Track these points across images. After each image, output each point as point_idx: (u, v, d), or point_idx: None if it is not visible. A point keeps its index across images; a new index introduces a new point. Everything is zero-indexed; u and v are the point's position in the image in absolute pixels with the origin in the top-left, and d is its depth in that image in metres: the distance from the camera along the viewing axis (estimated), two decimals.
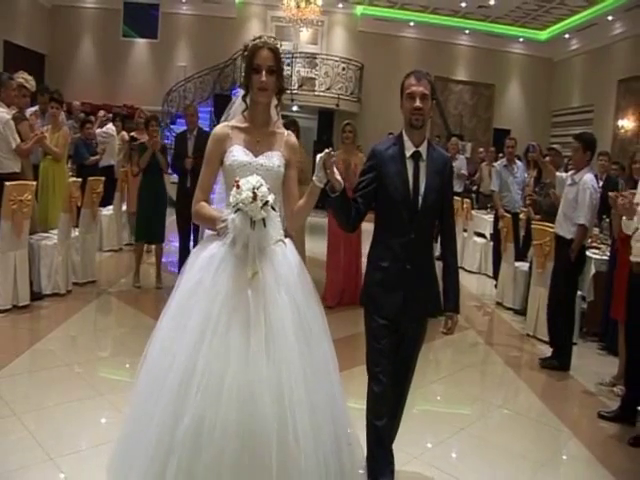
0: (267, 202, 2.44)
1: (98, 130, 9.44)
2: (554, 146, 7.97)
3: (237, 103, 2.85)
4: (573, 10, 15.98)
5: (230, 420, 2.32)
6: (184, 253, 7.09)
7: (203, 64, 16.92)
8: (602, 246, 6.79)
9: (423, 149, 3.03)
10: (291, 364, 2.43)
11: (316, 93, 16.60)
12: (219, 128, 2.78)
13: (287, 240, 2.70)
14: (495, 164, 9.46)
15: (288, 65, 17.28)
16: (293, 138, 2.85)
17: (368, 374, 3.07)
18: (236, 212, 2.44)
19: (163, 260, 7.68)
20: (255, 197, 2.41)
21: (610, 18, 15.08)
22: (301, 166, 4.51)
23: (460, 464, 3.77)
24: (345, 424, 2.70)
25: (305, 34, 17.60)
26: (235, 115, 2.83)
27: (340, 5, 16.58)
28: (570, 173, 5.75)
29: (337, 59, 17.41)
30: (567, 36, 17.56)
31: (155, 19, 17.82)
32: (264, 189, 2.44)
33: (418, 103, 2.96)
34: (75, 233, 6.87)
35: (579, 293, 6.27)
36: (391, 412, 3.10)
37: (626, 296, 4.56)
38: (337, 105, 16.88)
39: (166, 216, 7.48)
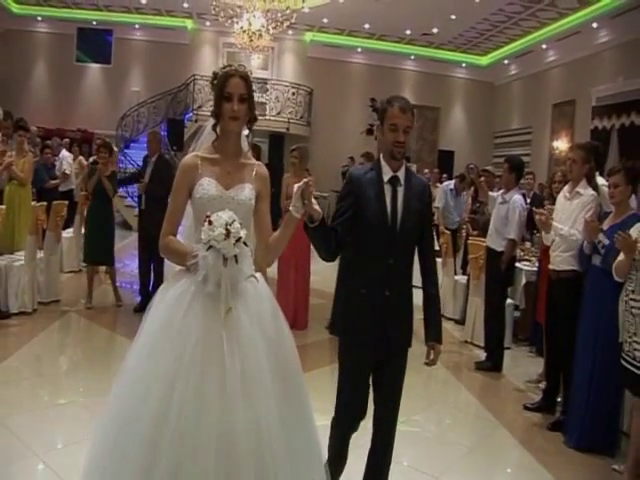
0: (240, 238, 2.36)
1: (63, 153, 9.77)
2: (487, 168, 8.63)
3: (206, 132, 2.76)
4: (510, 38, 16.93)
5: (209, 466, 2.22)
6: (143, 273, 7.49)
7: (156, 89, 17.18)
8: (532, 258, 7.43)
9: (401, 174, 2.96)
10: (268, 403, 2.36)
11: (267, 117, 17.02)
12: (188, 159, 2.67)
13: (258, 275, 2.61)
14: (441, 185, 10.18)
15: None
16: (264, 169, 2.77)
17: (337, 414, 2.99)
18: (208, 249, 2.35)
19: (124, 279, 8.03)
20: (228, 234, 2.33)
21: (544, 46, 16.05)
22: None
23: (401, 450, 4.26)
24: (322, 467, 2.65)
25: (256, 60, 18.12)
26: (203, 144, 2.74)
27: (290, 32, 17.19)
28: (500, 192, 6.37)
29: (287, 84, 17.96)
30: (506, 62, 18.47)
31: (109, 44, 18.06)
32: (237, 225, 2.36)
33: (401, 137, 2.88)
34: (40, 254, 7.17)
35: (512, 302, 6.91)
36: (383, 452, 3.02)
37: (546, 300, 5.17)
38: (287, 129, 17.40)
39: (114, 239, 7.66)
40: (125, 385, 2.46)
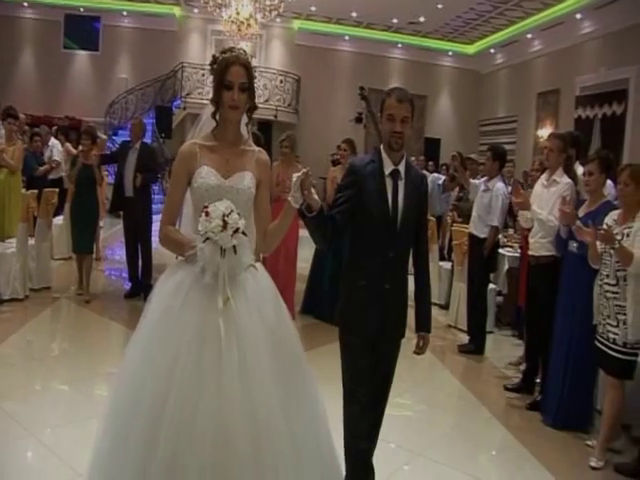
0: (238, 229, 2.34)
1: (52, 141, 9.80)
2: (471, 155, 8.80)
3: (205, 119, 2.71)
4: (496, 27, 17.08)
5: (205, 459, 2.23)
6: (131, 259, 7.60)
7: (144, 76, 17.24)
8: (515, 244, 7.59)
9: (402, 167, 2.96)
10: (267, 394, 2.35)
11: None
12: (186, 146, 2.62)
13: (258, 264, 2.60)
14: (429, 174, 10.38)
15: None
16: (264, 155, 2.73)
17: (345, 395, 2.97)
18: (205, 241, 2.33)
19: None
20: (225, 225, 2.31)
21: (529, 36, 16.21)
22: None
23: (386, 429, 4.42)
24: (331, 446, 2.67)
25: (244, 48, 18.08)
26: (202, 132, 2.69)
27: (278, 20, 17.21)
28: (483, 180, 6.53)
29: (275, 72, 18.02)
30: (492, 51, 18.62)
31: (96, 31, 18.03)
32: (235, 216, 2.34)
33: (398, 127, 2.87)
34: (31, 241, 7.25)
35: (495, 287, 7.10)
36: (371, 431, 3.04)
37: (525, 285, 5.35)
38: (275, 116, 17.47)
39: (96, 228, 7.65)
40: (124, 377, 2.48)
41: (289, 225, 2.67)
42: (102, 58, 18.15)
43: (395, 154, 2.94)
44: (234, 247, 2.34)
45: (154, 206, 7.74)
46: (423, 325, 3.08)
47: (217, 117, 2.62)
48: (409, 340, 3.12)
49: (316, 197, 2.61)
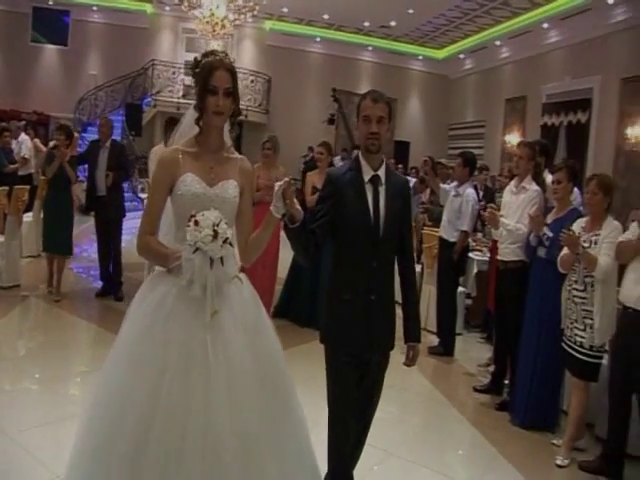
0: (227, 239, 2.28)
1: (22, 137, 9.68)
2: (441, 160, 8.95)
3: (186, 125, 2.63)
4: (466, 34, 17.33)
5: (193, 476, 2.19)
6: (102, 257, 7.54)
7: (114, 73, 17.03)
8: (484, 249, 7.76)
9: (382, 173, 2.87)
10: (254, 409, 2.32)
11: None
12: (168, 153, 2.53)
13: (242, 276, 2.54)
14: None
15: (192, 76, 17.76)
16: (247, 163, 2.67)
17: (331, 415, 2.88)
18: (195, 252, 2.25)
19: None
20: (216, 235, 2.24)
21: (497, 43, 16.50)
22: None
23: None
24: (312, 455, 2.64)
25: (215, 47, 18.11)
26: (182, 137, 2.60)
27: (250, 20, 17.21)
28: (454, 185, 6.66)
29: (246, 72, 17.97)
30: (461, 56, 18.87)
31: (65, 26, 17.74)
32: (224, 225, 2.27)
33: (374, 128, 2.78)
34: (0, 239, 7.18)
35: (464, 290, 7.25)
36: (355, 450, 3.00)
37: (494, 289, 5.49)
38: (245, 116, 17.37)
39: (72, 227, 7.39)
40: (106, 393, 2.37)
41: (270, 235, 2.61)
42: (71, 53, 17.87)
43: (374, 158, 2.86)
44: (221, 258, 2.28)
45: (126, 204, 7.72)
46: (412, 335, 2.99)
47: (200, 123, 2.54)
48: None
49: (299, 207, 2.55)
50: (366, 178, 2.86)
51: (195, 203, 2.40)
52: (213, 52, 2.55)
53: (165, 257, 2.39)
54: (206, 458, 2.21)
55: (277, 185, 2.48)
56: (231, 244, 2.33)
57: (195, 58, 2.57)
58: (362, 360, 2.88)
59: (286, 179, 2.49)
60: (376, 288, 2.84)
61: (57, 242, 7.16)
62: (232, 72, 2.50)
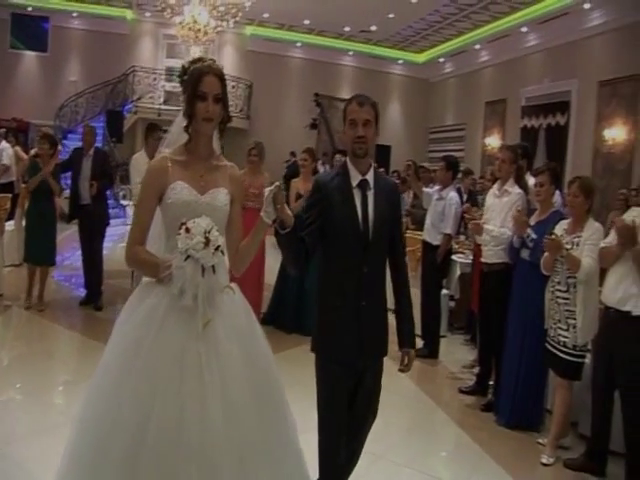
0: (218, 247, 2.24)
1: (3, 145, 9.59)
2: (424, 164, 9.03)
3: (174, 132, 2.60)
4: (446, 38, 17.47)
5: None
6: (87, 265, 7.47)
7: (95, 80, 16.90)
8: (467, 251, 7.83)
9: (370, 177, 2.84)
10: (249, 420, 2.30)
11: None
12: (157, 161, 2.50)
13: (234, 285, 2.50)
14: None
15: (180, 83, 17.70)
16: (237, 171, 2.64)
17: (322, 425, 2.86)
18: (186, 259, 2.20)
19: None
20: (208, 242, 2.20)
21: (477, 47, 16.65)
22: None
23: None
24: (305, 466, 2.62)
25: (196, 52, 18.09)
26: (170, 146, 2.57)
27: (231, 25, 17.23)
28: (437, 189, 6.73)
29: (227, 77, 17.86)
30: (441, 60, 19.00)
31: (45, 32, 17.56)
32: (215, 232, 2.24)
33: (361, 132, 2.76)
34: None
35: (448, 292, 7.31)
36: (350, 456, 2.96)
37: (478, 291, 5.55)
38: None
39: (55, 238, 7.24)
40: (96, 407, 2.30)
41: (260, 242, 2.59)
42: (51, 60, 17.69)
43: (361, 162, 2.83)
44: (213, 266, 2.24)
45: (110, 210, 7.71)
46: (406, 341, 2.95)
47: (190, 131, 2.50)
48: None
49: (289, 213, 2.53)
50: (354, 183, 2.83)
51: (186, 211, 2.36)
52: (201, 59, 2.53)
53: (155, 266, 2.33)
54: (202, 469, 2.17)
55: (267, 190, 2.45)
56: (223, 252, 2.29)
57: (183, 65, 2.54)
58: (355, 369, 2.84)
59: (276, 184, 2.47)
60: (367, 294, 2.81)
61: (40, 253, 7.02)
62: (221, 78, 2.48)
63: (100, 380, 2.36)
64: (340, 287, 2.81)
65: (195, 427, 2.17)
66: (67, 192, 8.67)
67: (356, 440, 2.97)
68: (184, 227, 2.22)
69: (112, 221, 7.81)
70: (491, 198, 5.32)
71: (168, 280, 2.27)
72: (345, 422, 2.86)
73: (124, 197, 14.20)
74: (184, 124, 2.50)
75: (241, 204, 2.64)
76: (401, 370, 2.98)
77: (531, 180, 5.38)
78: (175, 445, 2.15)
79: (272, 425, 2.42)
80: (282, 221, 2.55)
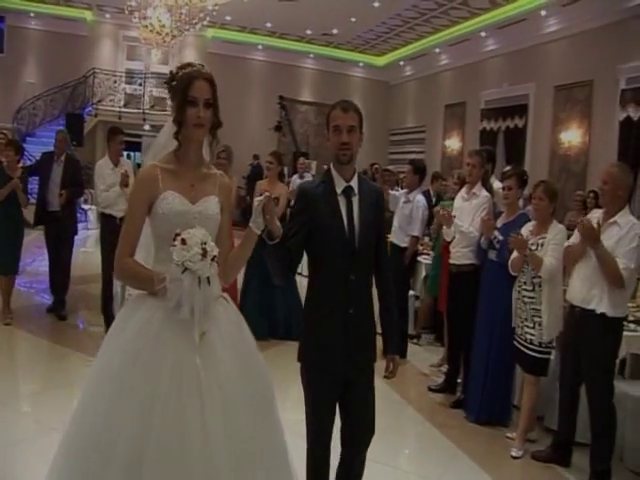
0: (214, 257, 2.20)
1: None
2: (389, 167, 9.19)
3: (162, 139, 2.54)
4: (406, 41, 17.70)
5: None
6: (53, 272, 7.38)
7: (53, 82, 16.60)
8: (432, 252, 7.99)
9: (354, 183, 2.81)
10: (248, 429, 2.28)
11: (168, 112, 16.89)
12: (146, 169, 2.43)
13: (226, 295, 2.48)
14: None
15: (140, 85, 17.58)
16: (227, 179, 2.59)
17: (311, 439, 2.85)
18: (184, 272, 2.15)
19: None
20: (205, 253, 2.16)
21: (437, 50, 16.93)
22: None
23: None
24: (293, 472, 2.58)
25: (156, 54, 17.96)
26: (157, 155, 2.50)
27: (197, 28, 17.13)
28: (404, 192, 6.87)
29: None
30: (402, 63, 19.22)
31: (0, 32, 17.28)
32: (211, 243, 2.21)
33: (345, 138, 2.72)
34: None
35: (413, 293, 7.46)
36: (355, 474, 2.97)
37: (447, 291, 5.71)
38: None
39: (21, 247, 7.04)
40: (92, 425, 2.22)
41: (249, 252, 2.53)
42: (7, 60, 17.23)
43: (346, 169, 2.80)
44: (208, 278, 2.20)
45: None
46: (393, 347, 2.93)
47: (180, 138, 2.42)
48: None
49: (278, 223, 2.52)
50: (339, 190, 2.80)
51: (178, 222, 2.30)
52: (190, 64, 2.46)
53: (149, 279, 2.27)
54: None
55: (257, 200, 2.44)
56: (218, 263, 2.26)
57: (171, 71, 2.47)
58: (345, 378, 2.79)
59: (266, 194, 2.46)
60: (355, 301, 2.77)
61: (6, 263, 6.80)
62: (212, 83, 2.41)
63: (95, 397, 2.28)
64: (327, 296, 2.78)
65: (197, 441, 2.14)
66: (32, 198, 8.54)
67: (358, 458, 2.94)
68: (179, 238, 2.17)
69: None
70: (459, 201, 5.48)
71: (163, 293, 2.22)
72: (332, 429, 2.84)
73: (85, 201, 14.03)
74: (174, 131, 2.43)
75: (230, 213, 2.59)
76: (386, 377, 2.93)
77: (496, 183, 5.56)
78: (177, 460, 2.12)
79: (268, 432, 2.42)
80: (270, 232, 2.54)
